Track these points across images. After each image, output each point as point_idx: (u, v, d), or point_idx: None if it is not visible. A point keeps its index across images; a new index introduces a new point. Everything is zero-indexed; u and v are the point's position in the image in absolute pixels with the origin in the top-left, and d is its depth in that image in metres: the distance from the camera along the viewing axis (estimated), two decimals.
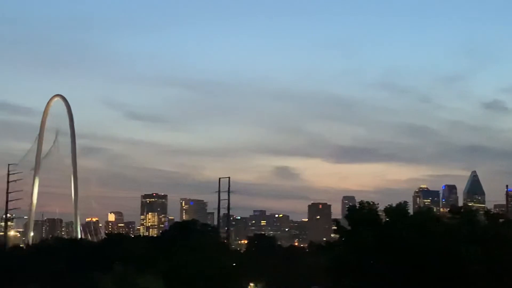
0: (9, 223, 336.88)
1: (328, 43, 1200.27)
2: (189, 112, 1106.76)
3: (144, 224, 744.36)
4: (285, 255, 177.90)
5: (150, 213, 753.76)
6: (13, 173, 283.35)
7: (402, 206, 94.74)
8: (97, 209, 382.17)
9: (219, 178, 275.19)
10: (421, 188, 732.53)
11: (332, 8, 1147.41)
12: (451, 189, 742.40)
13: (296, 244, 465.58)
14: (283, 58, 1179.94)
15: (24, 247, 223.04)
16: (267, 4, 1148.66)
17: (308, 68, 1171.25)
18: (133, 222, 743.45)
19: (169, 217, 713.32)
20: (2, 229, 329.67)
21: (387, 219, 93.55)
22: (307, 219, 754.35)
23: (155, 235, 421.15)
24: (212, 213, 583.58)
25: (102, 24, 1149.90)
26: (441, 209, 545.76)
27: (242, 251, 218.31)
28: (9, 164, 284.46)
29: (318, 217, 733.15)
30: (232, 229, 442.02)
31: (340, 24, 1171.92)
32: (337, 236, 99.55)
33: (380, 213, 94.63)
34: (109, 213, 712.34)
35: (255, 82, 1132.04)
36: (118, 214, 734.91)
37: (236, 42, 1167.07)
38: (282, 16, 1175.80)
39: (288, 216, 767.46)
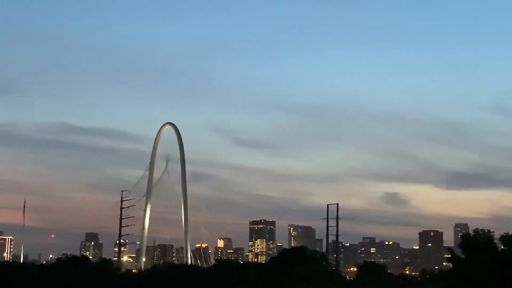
0: (122, 248, 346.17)
1: (438, 66, 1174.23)
2: (297, 138, 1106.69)
3: (253, 250, 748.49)
4: (397, 284, 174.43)
5: (258, 240, 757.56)
6: (126, 200, 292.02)
7: None
8: (207, 235, 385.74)
9: (327, 205, 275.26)
10: None
11: (443, 31, 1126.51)
12: None
13: (407, 272, 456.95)
14: (392, 82, 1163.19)
15: (137, 272, 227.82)
16: (374, 27, 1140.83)
17: (417, 92, 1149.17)
18: (242, 248, 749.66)
19: (277, 244, 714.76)
20: (116, 255, 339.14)
21: (504, 247, 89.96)
22: (418, 247, 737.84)
23: (264, 262, 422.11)
24: (321, 240, 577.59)
25: (209, 51, 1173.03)
26: None
27: (351, 279, 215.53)
28: (122, 191, 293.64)
29: (430, 244, 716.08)
30: (341, 256, 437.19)
31: (452, 47, 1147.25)
32: (451, 264, 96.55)
33: (495, 241, 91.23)
34: (218, 239, 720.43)
35: (363, 106, 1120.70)
36: (227, 240, 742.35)
37: (343, 66, 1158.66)
38: (391, 39, 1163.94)
39: (398, 244, 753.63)
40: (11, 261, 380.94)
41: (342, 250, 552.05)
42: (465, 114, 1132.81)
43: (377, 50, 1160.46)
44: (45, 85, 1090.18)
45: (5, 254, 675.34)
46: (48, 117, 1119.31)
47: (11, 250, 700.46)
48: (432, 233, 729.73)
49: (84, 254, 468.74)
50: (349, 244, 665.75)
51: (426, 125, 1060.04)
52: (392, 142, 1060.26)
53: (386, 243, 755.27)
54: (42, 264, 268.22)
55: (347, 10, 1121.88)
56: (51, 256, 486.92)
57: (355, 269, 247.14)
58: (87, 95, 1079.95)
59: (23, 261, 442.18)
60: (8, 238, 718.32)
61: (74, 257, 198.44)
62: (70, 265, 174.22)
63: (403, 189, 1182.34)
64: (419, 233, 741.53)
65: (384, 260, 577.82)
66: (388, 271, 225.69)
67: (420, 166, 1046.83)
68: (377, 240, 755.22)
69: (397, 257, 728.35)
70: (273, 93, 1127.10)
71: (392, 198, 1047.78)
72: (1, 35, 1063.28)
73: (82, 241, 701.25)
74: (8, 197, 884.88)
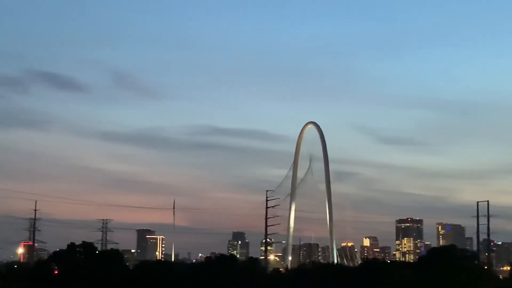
0: (268, 247, 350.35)
1: None
2: (442, 134, 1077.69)
3: (400, 249, 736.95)
4: None
5: (405, 238, 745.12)
6: (271, 199, 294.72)
7: None
8: (352, 233, 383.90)
9: (477, 202, 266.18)
10: None
11: None
12: None
13: None
14: None
15: (283, 271, 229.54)
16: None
17: None
18: (389, 247, 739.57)
19: (425, 242, 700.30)
20: (263, 253, 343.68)
21: None
22: None
23: (411, 261, 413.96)
24: (471, 238, 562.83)
25: (349, 49, 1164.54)
26: None
27: (504, 278, 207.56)
28: (267, 191, 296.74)
29: None
30: (493, 254, 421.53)
31: None
32: None
33: None
34: (364, 238, 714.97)
35: None
36: (373, 239, 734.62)
37: (488, 59, 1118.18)
38: None
39: None
40: (163, 259, 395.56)
41: (494, 248, 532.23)
42: None
43: None
44: (190, 89, 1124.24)
45: (157, 253, 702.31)
46: (193, 119, 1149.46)
47: (163, 249, 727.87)
48: None
49: (232, 253, 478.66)
50: (502, 243, 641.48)
51: None
52: None
53: None
54: (192, 263, 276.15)
55: (486, 4, 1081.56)
56: (200, 254, 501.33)
57: (509, 268, 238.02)
58: (231, 97, 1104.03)
59: (174, 259, 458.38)
60: (160, 238, 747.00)
61: (222, 256, 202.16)
62: (219, 263, 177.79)
63: None
64: None
65: None
66: None
67: None
68: None
69: None
70: (415, 89, 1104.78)
71: None
72: (149, 43, 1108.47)
73: (229, 240, 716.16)
74: (158, 198, 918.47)
